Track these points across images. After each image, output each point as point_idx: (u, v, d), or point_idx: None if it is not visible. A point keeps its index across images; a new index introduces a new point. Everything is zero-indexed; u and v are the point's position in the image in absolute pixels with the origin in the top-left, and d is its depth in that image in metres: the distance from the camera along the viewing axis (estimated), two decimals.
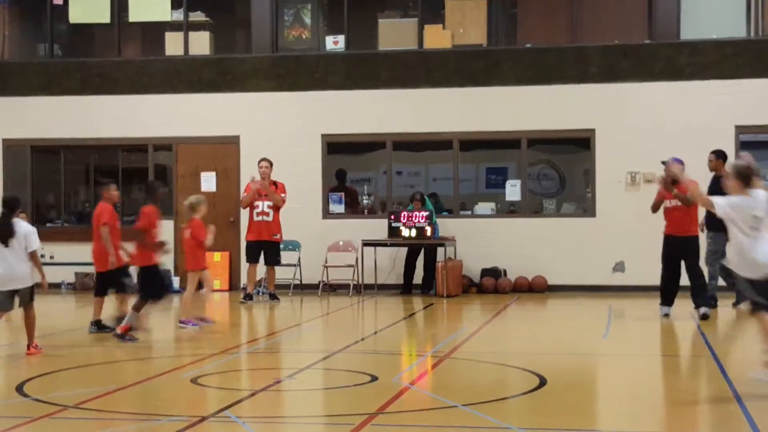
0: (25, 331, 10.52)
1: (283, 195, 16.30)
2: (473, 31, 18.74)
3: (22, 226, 10.42)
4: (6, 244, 10.25)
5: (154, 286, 11.68)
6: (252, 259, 16.26)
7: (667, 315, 13.11)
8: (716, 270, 13.86)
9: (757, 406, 7.41)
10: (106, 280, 12.17)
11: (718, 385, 8.59)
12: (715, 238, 13.69)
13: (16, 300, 10.44)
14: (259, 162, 16.62)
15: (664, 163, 12.64)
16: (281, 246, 17.12)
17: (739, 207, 8.06)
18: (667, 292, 13.22)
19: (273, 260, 16.34)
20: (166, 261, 18.74)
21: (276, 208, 16.20)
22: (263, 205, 16.24)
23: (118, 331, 11.35)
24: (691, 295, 13.12)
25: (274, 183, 16.38)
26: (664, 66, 17.97)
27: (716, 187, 13.13)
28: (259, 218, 16.27)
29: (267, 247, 16.19)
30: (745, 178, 8.18)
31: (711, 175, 13.90)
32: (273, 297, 16.35)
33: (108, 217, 12.13)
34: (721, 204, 8.17)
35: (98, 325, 12.19)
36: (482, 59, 18.59)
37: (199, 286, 13.21)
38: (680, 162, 12.50)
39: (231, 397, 8.18)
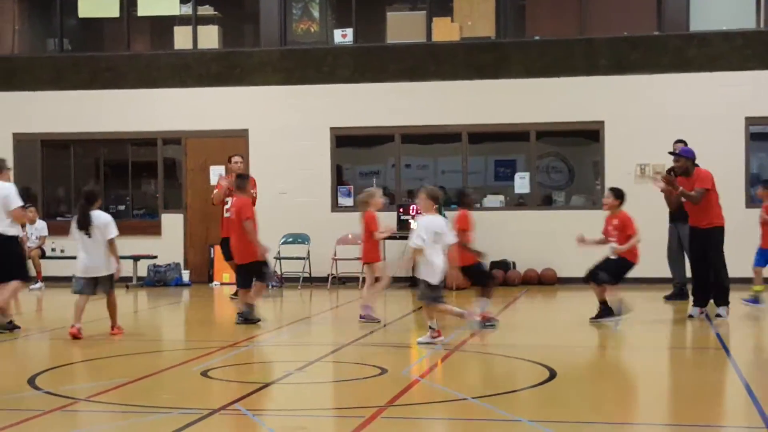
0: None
1: (253, 191, 15.71)
2: (482, 24, 18.70)
3: (101, 216, 11.05)
4: (88, 234, 10.95)
5: (483, 277, 12.21)
6: (228, 257, 14.99)
7: (690, 316, 12.30)
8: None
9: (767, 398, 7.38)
10: (248, 272, 12.38)
11: (728, 377, 8.56)
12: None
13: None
14: (231, 158, 16.17)
15: (672, 153, 12.58)
16: (292, 239, 17.01)
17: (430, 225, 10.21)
18: (696, 290, 12.44)
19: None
20: (177, 254, 18.90)
21: None
22: (231, 202, 15.70)
23: (477, 318, 11.52)
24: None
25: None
26: (673, 58, 17.91)
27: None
28: (228, 214, 15.60)
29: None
30: (436, 200, 10.50)
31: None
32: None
33: (250, 211, 12.37)
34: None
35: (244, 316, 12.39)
36: (491, 52, 18.55)
37: None
38: (690, 151, 12.41)
39: (241, 390, 8.17)
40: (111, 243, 11.06)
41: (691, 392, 8.21)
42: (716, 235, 12.10)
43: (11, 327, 11.60)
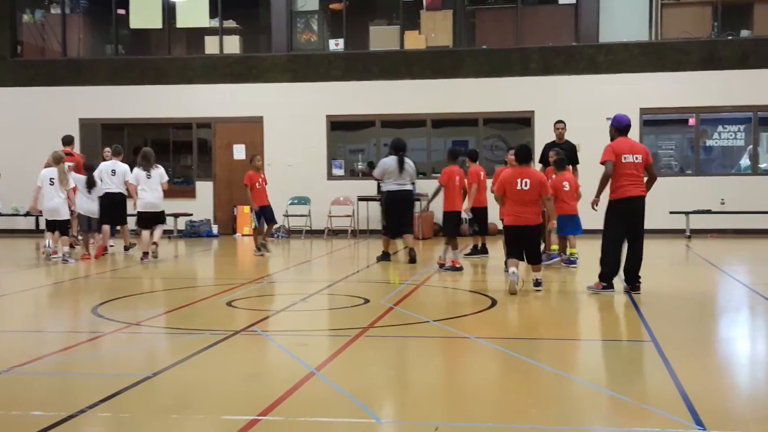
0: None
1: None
2: (442, 36, 18.54)
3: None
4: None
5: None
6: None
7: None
8: None
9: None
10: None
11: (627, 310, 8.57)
12: None
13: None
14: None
15: (610, 119, 10.23)
16: (297, 201, 16.88)
17: None
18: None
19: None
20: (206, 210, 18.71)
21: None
22: None
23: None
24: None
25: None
26: (587, 63, 17.83)
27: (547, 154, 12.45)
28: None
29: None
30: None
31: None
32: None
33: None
34: None
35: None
36: (449, 57, 18.39)
37: None
38: (624, 118, 9.84)
39: (258, 315, 8.13)
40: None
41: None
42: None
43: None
